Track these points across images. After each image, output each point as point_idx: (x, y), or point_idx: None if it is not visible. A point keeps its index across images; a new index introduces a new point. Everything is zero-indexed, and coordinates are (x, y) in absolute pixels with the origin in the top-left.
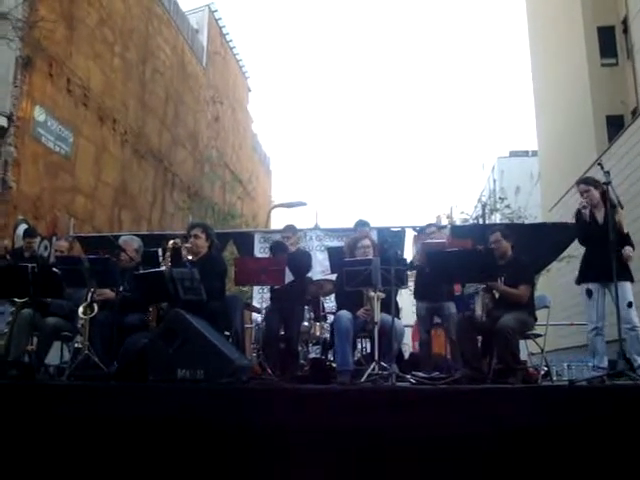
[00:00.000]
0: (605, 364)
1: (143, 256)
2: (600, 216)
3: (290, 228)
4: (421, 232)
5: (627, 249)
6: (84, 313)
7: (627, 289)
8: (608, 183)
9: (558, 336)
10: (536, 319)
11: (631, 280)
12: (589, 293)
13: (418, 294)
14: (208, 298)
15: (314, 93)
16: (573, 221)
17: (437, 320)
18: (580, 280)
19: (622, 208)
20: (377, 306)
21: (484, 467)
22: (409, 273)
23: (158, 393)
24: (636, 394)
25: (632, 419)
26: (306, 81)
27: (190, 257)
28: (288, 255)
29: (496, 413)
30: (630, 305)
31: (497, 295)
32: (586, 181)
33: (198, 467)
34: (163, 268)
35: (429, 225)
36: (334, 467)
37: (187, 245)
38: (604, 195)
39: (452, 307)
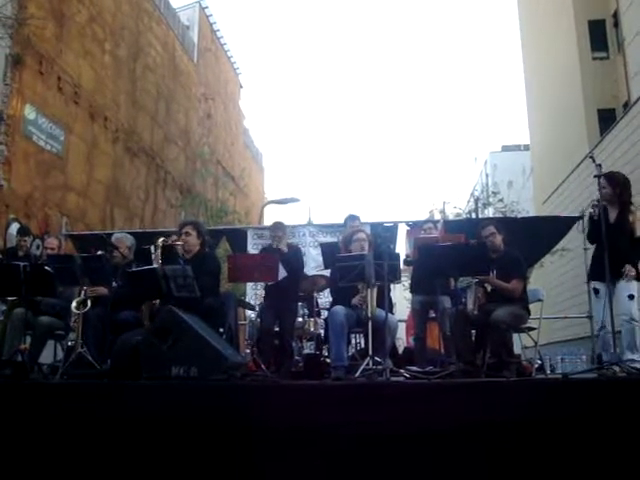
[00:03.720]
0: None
1: (136, 254)
2: (613, 215)
3: (278, 227)
4: (415, 226)
5: (627, 267)
6: (77, 308)
7: (632, 286)
8: (600, 176)
9: (552, 329)
10: (529, 312)
11: (637, 278)
12: (596, 292)
13: (413, 288)
14: (202, 295)
15: (306, 88)
16: (566, 214)
17: (431, 314)
18: (589, 278)
19: None
20: (372, 300)
21: (478, 461)
22: (403, 268)
23: (152, 391)
24: (629, 387)
25: (625, 412)
26: (298, 76)
27: (184, 254)
28: (281, 256)
29: (490, 407)
30: (632, 297)
31: (489, 289)
32: (605, 176)
33: (193, 464)
34: (156, 265)
35: (426, 221)
36: (330, 462)
37: (178, 242)
38: (622, 195)
39: (447, 301)
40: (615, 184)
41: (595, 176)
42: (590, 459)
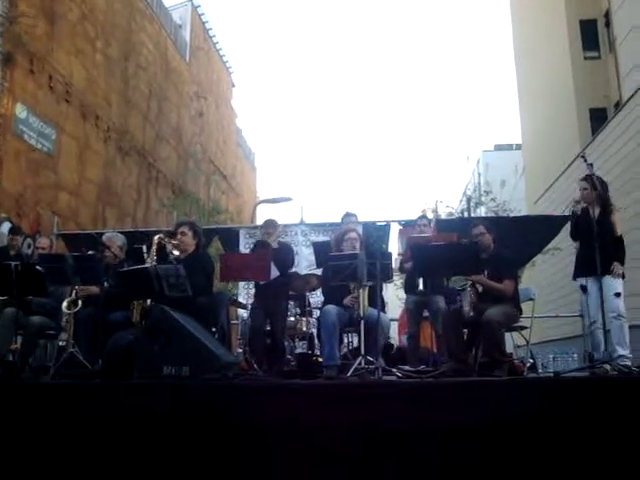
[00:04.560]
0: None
1: (128, 253)
2: (596, 213)
3: (270, 223)
4: (407, 225)
5: (615, 265)
6: (68, 308)
7: (618, 283)
8: (591, 175)
9: (543, 328)
10: (521, 311)
11: (622, 276)
12: (583, 289)
13: (407, 288)
14: (194, 294)
15: (299, 88)
16: (558, 213)
17: (425, 314)
18: (575, 275)
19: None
20: (364, 299)
21: (470, 460)
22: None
23: (144, 390)
24: (620, 385)
25: (616, 410)
26: (291, 75)
27: (176, 253)
28: (273, 251)
29: (482, 406)
30: (618, 295)
31: (481, 289)
32: (585, 179)
33: (185, 464)
34: (148, 265)
35: (421, 217)
36: (321, 462)
37: (174, 242)
38: (601, 197)
39: (441, 301)
40: (595, 185)
41: (586, 176)
42: (582, 457)
